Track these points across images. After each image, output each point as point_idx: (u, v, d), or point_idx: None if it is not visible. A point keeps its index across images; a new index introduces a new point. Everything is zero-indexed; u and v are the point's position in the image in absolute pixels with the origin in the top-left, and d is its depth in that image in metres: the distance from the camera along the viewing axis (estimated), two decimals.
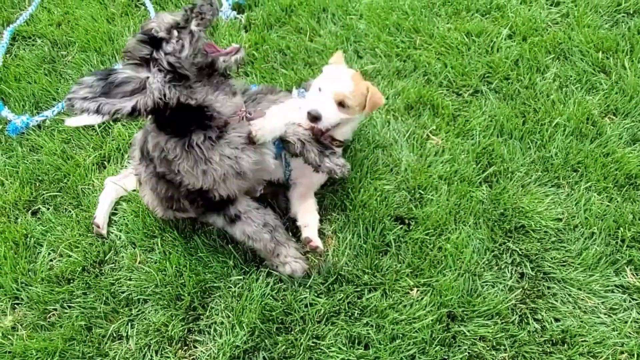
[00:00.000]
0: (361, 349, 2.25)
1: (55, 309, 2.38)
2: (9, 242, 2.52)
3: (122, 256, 2.50)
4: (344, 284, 2.40)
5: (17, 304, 2.40)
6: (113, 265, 2.49)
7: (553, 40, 3.25)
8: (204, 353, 2.25)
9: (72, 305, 2.37)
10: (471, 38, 3.28)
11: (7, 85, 3.09)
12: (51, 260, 2.52)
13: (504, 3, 3.46)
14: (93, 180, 2.73)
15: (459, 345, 2.25)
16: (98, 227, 2.49)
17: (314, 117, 2.28)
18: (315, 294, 2.36)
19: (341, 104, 2.34)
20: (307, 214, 2.46)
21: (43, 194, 2.70)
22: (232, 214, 2.31)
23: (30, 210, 2.67)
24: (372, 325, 2.29)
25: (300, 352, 2.22)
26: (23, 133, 2.93)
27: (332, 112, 2.31)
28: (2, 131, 2.95)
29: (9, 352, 2.24)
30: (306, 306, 2.32)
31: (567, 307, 2.36)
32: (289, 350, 2.23)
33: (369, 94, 2.37)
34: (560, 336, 2.27)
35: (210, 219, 2.39)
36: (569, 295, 2.39)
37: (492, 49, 3.23)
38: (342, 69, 2.47)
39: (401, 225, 2.57)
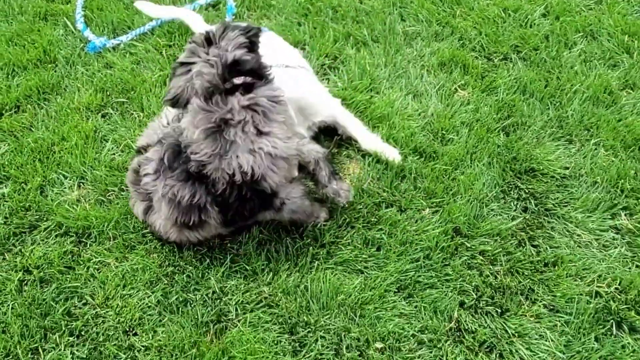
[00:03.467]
0: (374, 249, 2.55)
1: (114, 190, 2.75)
2: (81, 134, 2.93)
3: None
4: (364, 197, 2.71)
5: (82, 182, 2.79)
6: None
7: (584, 21, 3.52)
8: None
9: (127, 189, 2.74)
10: (507, 12, 3.58)
11: (90, 11, 3.55)
12: (114, 154, 2.91)
13: None
14: (156, 95, 3.11)
15: (460, 255, 2.53)
16: None
17: None
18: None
19: None
20: None
21: (112, 101, 3.11)
22: (279, 204, 2.41)
23: (101, 113, 3.07)
24: (385, 232, 2.59)
25: (325, 246, 2.53)
26: (100, 52, 3.36)
27: None
28: (83, 48, 3.38)
29: (73, 216, 2.63)
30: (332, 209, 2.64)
31: (563, 240, 2.61)
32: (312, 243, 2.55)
33: None
34: (552, 259, 2.53)
35: (260, 217, 2.49)
36: (566, 230, 2.64)
37: (525, 24, 3.52)
38: None
39: (421, 158, 2.87)
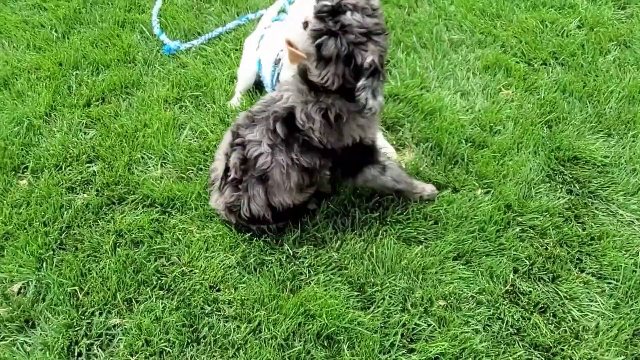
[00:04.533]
0: (432, 222, 2.79)
1: (193, 169, 3.04)
2: (161, 122, 3.23)
3: None
4: (420, 178, 2.96)
5: (164, 162, 3.08)
6: None
7: (617, 32, 3.81)
8: None
9: (204, 168, 3.03)
10: (545, 24, 3.88)
11: (165, 19, 3.91)
12: (190, 139, 3.21)
13: (577, 2, 4.06)
14: (226, 90, 3.43)
15: (512, 228, 2.76)
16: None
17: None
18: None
19: None
20: None
21: (187, 95, 3.43)
22: (382, 161, 2.64)
23: (177, 105, 3.39)
24: (442, 208, 2.83)
25: (387, 218, 2.78)
26: (174, 53, 3.70)
27: None
28: (159, 51, 3.73)
29: (158, 190, 2.91)
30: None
31: (607, 218, 2.83)
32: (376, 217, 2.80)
33: None
34: (597, 234, 2.74)
35: (367, 174, 2.65)
36: (609, 210, 2.87)
37: (562, 34, 3.82)
38: None
39: (472, 146, 3.13)
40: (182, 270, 2.60)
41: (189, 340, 2.37)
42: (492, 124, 3.22)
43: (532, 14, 3.96)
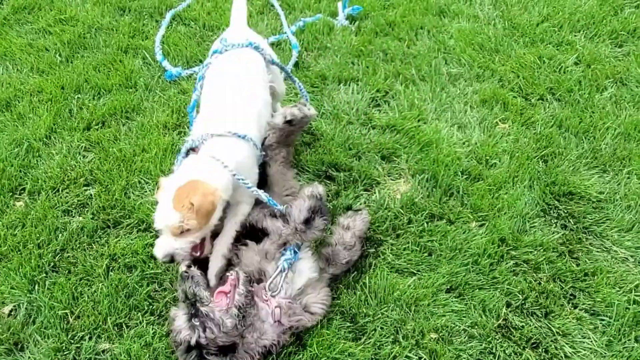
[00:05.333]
0: (426, 254, 2.80)
1: None
2: (160, 147, 3.26)
3: None
4: (416, 210, 2.97)
5: None
6: None
7: (613, 69, 3.85)
8: None
9: None
10: (542, 60, 3.93)
11: (168, 46, 3.97)
12: None
13: (574, 40, 4.11)
14: None
15: (506, 262, 2.76)
16: None
17: (172, 260, 2.32)
18: (394, 214, 2.94)
19: (182, 232, 2.27)
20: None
21: (186, 121, 3.45)
22: None
23: (176, 131, 3.42)
24: (436, 240, 2.84)
25: (381, 250, 2.78)
26: (176, 79, 3.75)
27: (180, 245, 2.29)
28: (160, 77, 3.78)
29: (153, 214, 2.91)
30: (388, 218, 2.91)
31: (601, 254, 2.83)
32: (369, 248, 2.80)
33: (195, 207, 2.21)
34: (591, 270, 2.74)
35: None
36: (604, 246, 2.87)
37: (559, 70, 3.86)
38: (166, 194, 2.30)
39: (468, 179, 3.14)
40: (174, 296, 2.59)
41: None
42: (488, 157, 3.24)
43: (530, 50, 4.02)
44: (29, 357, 2.40)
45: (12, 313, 2.56)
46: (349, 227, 2.68)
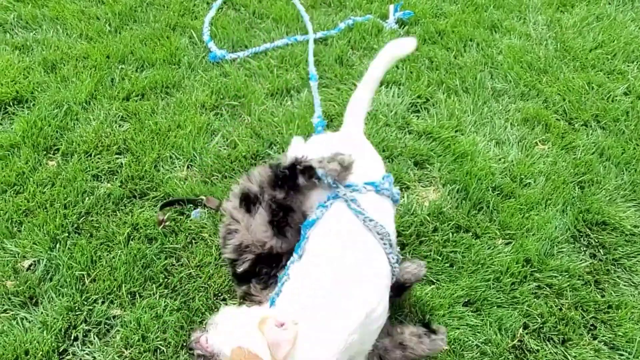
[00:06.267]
0: (447, 264, 2.74)
1: (217, 176, 3.05)
2: (195, 125, 3.27)
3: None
4: (443, 219, 2.92)
5: (191, 165, 3.10)
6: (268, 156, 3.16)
7: None
8: None
9: (233, 176, 3.04)
10: (591, 86, 3.83)
11: (215, 28, 3.99)
12: (220, 146, 3.23)
13: (627, 69, 4.01)
14: (264, 102, 3.46)
15: (528, 283, 2.69)
16: None
17: None
18: (420, 220, 2.89)
19: None
20: None
21: (225, 103, 3.47)
22: None
23: (214, 111, 3.42)
24: (459, 252, 2.78)
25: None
26: (219, 62, 3.76)
27: None
28: (204, 57, 3.80)
29: (180, 190, 2.92)
30: (414, 224, 2.87)
31: (628, 289, 2.74)
32: None
33: None
34: (616, 303, 2.65)
35: None
36: (632, 281, 2.78)
37: (607, 98, 3.77)
38: None
39: (499, 195, 3.08)
40: (190, 273, 2.59)
41: (184, 344, 2.34)
42: (522, 176, 3.17)
43: (579, 75, 3.92)
44: (42, 312, 2.42)
45: (31, 268, 2.59)
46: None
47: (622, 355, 2.47)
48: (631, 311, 2.61)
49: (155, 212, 2.80)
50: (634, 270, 2.79)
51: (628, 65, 4.03)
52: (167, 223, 2.74)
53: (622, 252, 2.86)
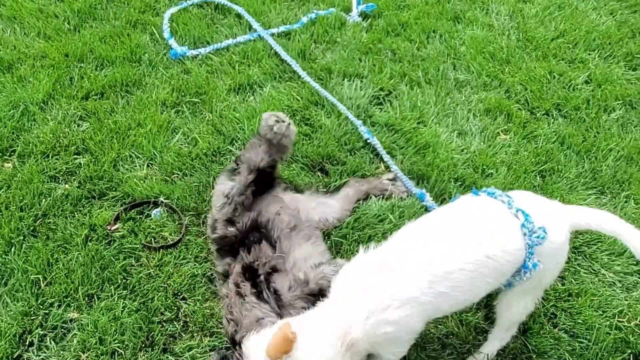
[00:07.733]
0: None
1: (178, 174, 3.02)
2: (155, 123, 3.23)
3: None
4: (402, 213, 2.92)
5: (151, 164, 3.07)
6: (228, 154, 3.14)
7: (624, 92, 3.78)
8: None
9: (193, 174, 3.01)
10: (553, 75, 3.86)
11: (176, 24, 3.95)
12: (181, 144, 3.20)
13: (588, 58, 4.05)
14: (224, 100, 3.43)
15: None
16: None
17: None
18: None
19: None
20: None
21: (186, 100, 3.43)
22: None
23: (175, 109, 3.39)
24: None
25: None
26: (180, 59, 3.72)
27: None
28: (165, 54, 3.75)
29: (139, 189, 2.89)
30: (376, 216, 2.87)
31: (588, 276, 2.76)
32: None
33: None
34: (576, 291, 2.67)
35: None
36: (592, 269, 2.80)
37: (568, 87, 3.80)
38: None
39: (462, 186, 3.09)
40: (149, 273, 2.56)
41: (143, 345, 2.32)
42: (485, 167, 3.18)
43: (541, 64, 3.95)
44: None
45: None
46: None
47: (582, 342, 2.49)
48: (591, 299, 2.63)
49: (115, 212, 2.76)
50: (594, 258, 2.82)
51: (589, 54, 4.07)
52: (117, 227, 2.70)
53: (582, 240, 2.88)
